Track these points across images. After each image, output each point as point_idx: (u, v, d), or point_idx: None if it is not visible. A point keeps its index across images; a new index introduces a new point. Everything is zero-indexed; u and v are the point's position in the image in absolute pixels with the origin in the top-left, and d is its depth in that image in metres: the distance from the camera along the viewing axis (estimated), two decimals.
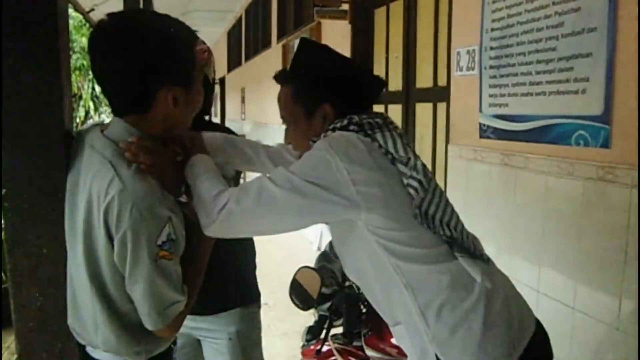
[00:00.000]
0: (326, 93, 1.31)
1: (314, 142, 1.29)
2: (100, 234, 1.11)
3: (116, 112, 1.18)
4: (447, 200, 1.27)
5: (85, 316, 1.20)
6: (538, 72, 2.24)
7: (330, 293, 1.81)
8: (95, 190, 1.11)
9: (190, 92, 1.18)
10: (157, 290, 1.13)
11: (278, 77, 1.39)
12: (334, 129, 1.27)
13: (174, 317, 1.18)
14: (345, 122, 1.26)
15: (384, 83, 1.38)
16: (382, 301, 1.32)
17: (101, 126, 1.22)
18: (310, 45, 1.40)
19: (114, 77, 1.13)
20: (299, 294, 1.75)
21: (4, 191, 1.23)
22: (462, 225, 1.28)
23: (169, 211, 1.11)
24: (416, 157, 1.25)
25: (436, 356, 1.24)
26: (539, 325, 1.34)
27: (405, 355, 1.65)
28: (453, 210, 1.27)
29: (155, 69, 1.11)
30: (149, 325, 1.16)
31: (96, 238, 1.13)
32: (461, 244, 1.24)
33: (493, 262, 1.35)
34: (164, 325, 1.16)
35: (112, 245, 1.11)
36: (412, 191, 1.20)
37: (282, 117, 1.40)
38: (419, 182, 1.21)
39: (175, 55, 1.14)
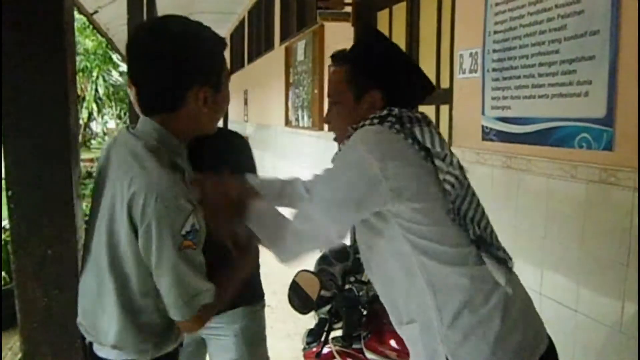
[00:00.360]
0: (379, 80, 1.31)
1: (354, 129, 1.30)
2: (123, 226, 1.14)
3: (147, 111, 1.23)
4: (478, 201, 1.29)
5: (101, 311, 1.21)
6: (541, 75, 2.24)
7: (330, 296, 1.81)
8: (119, 183, 1.15)
9: (219, 93, 1.25)
10: (182, 279, 1.15)
11: (335, 56, 1.40)
12: (372, 119, 1.27)
13: (201, 309, 1.18)
14: (385, 112, 1.27)
15: (434, 87, 1.39)
16: (400, 297, 1.33)
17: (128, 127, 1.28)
18: (373, 33, 1.40)
19: (150, 76, 1.19)
20: (299, 297, 1.75)
21: (9, 193, 1.24)
22: (492, 228, 1.29)
23: (192, 202, 1.15)
24: (452, 154, 1.26)
25: (446, 358, 1.24)
26: (551, 342, 1.34)
27: (404, 358, 1.65)
28: (484, 212, 1.29)
29: (188, 68, 1.18)
30: (176, 316, 1.18)
31: (119, 231, 1.15)
32: (489, 246, 1.24)
33: (516, 274, 1.36)
34: (189, 316, 1.17)
35: (136, 237, 1.13)
36: (448, 186, 1.22)
37: (329, 95, 1.41)
38: (456, 177, 1.23)
39: (207, 56, 1.22)
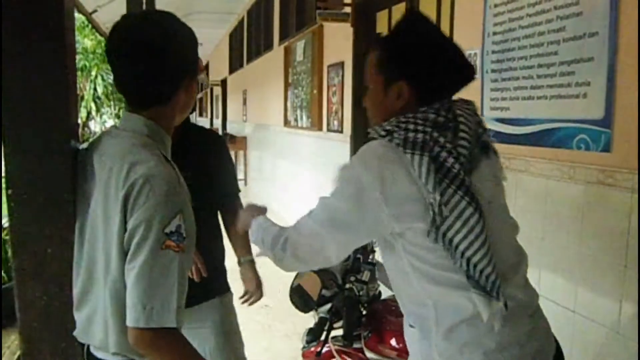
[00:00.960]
0: (406, 70, 1.25)
1: (373, 132, 1.27)
2: (116, 221, 1.12)
3: (139, 105, 1.23)
4: (480, 238, 1.17)
5: (97, 324, 1.19)
6: (539, 76, 2.25)
7: (330, 295, 1.81)
8: (116, 173, 1.13)
9: (196, 82, 1.29)
10: (151, 281, 1.08)
11: (373, 39, 1.37)
12: (381, 130, 1.24)
13: (158, 330, 1.09)
14: (389, 127, 1.23)
15: (472, 75, 1.32)
16: (406, 303, 1.35)
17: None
18: (413, 20, 1.33)
19: (147, 69, 1.18)
20: (300, 297, 1.76)
21: (9, 191, 1.24)
22: (487, 266, 1.18)
23: (182, 203, 1.14)
24: (449, 187, 1.16)
25: None
26: (558, 357, 1.33)
27: (404, 358, 1.65)
28: (482, 249, 1.17)
29: (181, 60, 1.21)
30: (130, 319, 1.09)
31: (112, 231, 1.13)
32: (476, 281, 1.18)
33: (535, 312, 1.31)
34: (146, 323, 1.08)
35: (125, 229, 1.11)
36: (430, 212, 1.17)
37: (363, 78, 1.38)
38: (434, 213, 1.16)
39: (192, 47, 1.25)
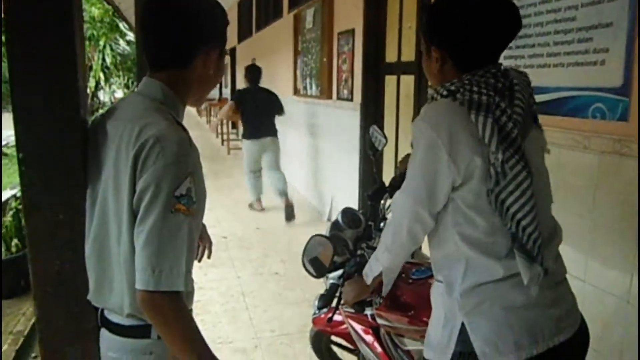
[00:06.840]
0: (435, 37, 1.30)
1: (430, 97, 1.32)
2: (126, 183, 1.12)
3: (155, 65, 1.24)
4: (531, 202, 1.22)
5: (110, 286, 1.21)
6: (556, 43, 2.19)
7: (342, 261, 1.82)
8: (127, 135, 1.14)
9: (222, 60, 1.28)
10: (160, 244, 1.08)
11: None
12: (444, 90, 1.27)
13: (169, 294, 1.09)
14: (453, 87, 1.26)
15: (517, 30, 1.29)
16: (437, 260, 1.37)
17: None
18: None
19: (168, 26, 1.19)
20: (312, 262, 1.76)
21: (20, 156, 1.24)
22: (535, 230, 1.22)
23: (193, 166, 1.14)
24: (507, 150, 1.19)
25: (462, 324, 1.27)
26: (582, 330, 1.36)
27: (415, 324, 1.66)
28: (532, 213, 1.22)
29: (206, 27, 1.21)
30: (140, 282, 1.09)
31: (123, 188, 1.13)
32: (522, 245, 1.22)
33: (561, 281, 1.38)
34: (155, 287, 1.07)
35: (134, 190, 1.11)
36: (492, 171, 1.21)
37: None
38: (496, 172, 1.20)
39: (221, 24, 1.26)
